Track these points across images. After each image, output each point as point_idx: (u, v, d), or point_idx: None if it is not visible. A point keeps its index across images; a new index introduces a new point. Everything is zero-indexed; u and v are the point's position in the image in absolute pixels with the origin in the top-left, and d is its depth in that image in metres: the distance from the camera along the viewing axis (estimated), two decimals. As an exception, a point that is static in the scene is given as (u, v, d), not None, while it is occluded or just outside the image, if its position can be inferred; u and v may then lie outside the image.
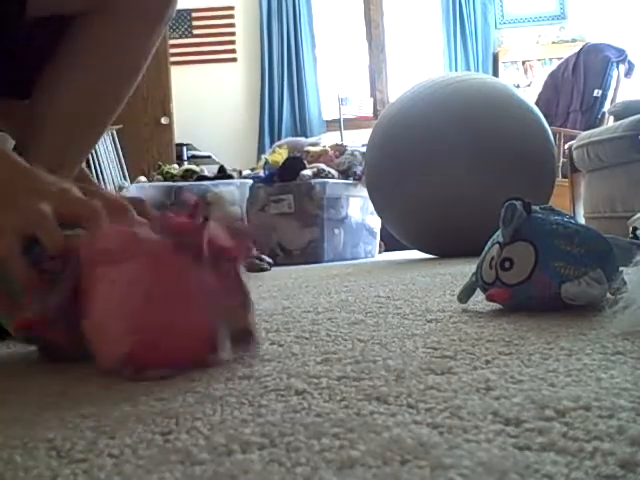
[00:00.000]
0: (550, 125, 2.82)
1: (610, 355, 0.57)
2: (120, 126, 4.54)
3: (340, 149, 3.90)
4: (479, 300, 0.94)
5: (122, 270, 0.59)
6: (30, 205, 0.65)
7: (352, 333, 0.79)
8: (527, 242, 0.87)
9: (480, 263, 0.93)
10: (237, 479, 0.35)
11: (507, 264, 0.87)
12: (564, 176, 3.96)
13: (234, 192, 3.32)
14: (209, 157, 5.27)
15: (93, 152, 4.16)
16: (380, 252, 4.03)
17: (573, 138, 3.74)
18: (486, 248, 0.93)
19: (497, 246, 0.90)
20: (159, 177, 3.55)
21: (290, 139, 4.67)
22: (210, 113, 5.77)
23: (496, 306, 0.92)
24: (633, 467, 0.32)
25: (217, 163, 4.60)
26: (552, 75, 5.04)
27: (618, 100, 4.44)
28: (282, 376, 0.57)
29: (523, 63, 5.73)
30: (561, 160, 4.03)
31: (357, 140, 4.67)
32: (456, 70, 5.63)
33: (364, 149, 3.33)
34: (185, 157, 5.21)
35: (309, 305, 1.14)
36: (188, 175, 3.50)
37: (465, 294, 0.97)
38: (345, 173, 3.71)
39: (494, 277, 0.88)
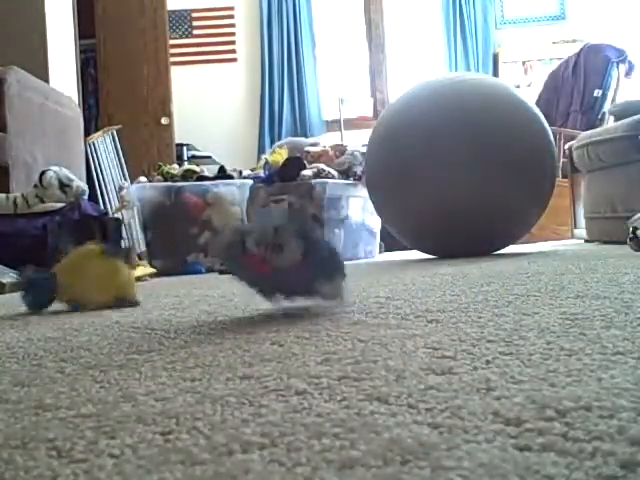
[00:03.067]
0: (550, 125, 2.82)
1: (610, 355, 0.57)
2: (120, 126, 4.56)
3: (340, 149, 3.90)
4: (479, 300, 0.94)
5: None
6: None
7: (352, 333, 0.79)
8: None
9: None
10: (238, 479, 0.35)
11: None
12: (564, 176, 3.96)
13: (234, 192, 3.32)
14: (209, 157, 5.27)
15: (93, 152, 4.16)
16: (380, 252, 4.03)
17: (573, 138, 3.74)
18: None
19: None
20: (159, 177, 3.54)
21: (290, 139, 4.67)
22: (210, 113, 5.77)
23: (496, 305, 0.92)
24: (633, 467, 0.32)
25: (217, 163, 4.60)
26: (552, 75, 5.04)
27: (618, 100, 4.44)
28: (282, 376, 0.57)
29: (523, 63, 5.73)
30: (561, 160, 4.03)
31: (357, 140, 4.67)
32: (456, 70, 5.63)
33: (364, 149, 3.33)
34: (185, 157, 5.22)
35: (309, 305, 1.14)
36: (188, 175, 3.50)
37: None
38: (345, 173, 3.71)
39: None
